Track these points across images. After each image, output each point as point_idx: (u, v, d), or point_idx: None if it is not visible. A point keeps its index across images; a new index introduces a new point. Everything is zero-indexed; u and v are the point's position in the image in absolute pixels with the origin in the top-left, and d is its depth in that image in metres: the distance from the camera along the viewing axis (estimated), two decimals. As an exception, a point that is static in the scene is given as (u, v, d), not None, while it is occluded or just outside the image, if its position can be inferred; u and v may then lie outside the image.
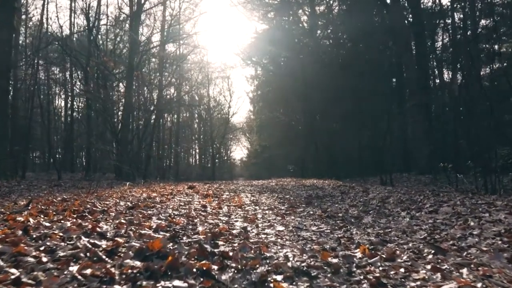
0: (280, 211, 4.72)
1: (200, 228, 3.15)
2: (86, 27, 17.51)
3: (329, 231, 3.52)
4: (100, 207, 4.02)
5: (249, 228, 3.38)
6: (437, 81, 22.54)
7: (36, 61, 15.90)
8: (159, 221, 3.32)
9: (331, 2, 24.03)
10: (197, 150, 37.27)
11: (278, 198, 6.50)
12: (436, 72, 22.70)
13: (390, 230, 3.70)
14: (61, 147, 27.17)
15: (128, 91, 15.24)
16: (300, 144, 23.05)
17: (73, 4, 22.24)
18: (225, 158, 37.40)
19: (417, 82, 15.31)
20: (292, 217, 4.26)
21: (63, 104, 28.18)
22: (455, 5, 19.52)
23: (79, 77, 22.13)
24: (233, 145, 39.12)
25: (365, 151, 18.40)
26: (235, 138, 37.50)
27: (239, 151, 45.10)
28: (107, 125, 18.77)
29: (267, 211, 4.70)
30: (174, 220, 3.41)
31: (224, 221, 3.69)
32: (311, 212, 4.64)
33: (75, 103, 26.91)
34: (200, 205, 4.68)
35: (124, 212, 3.81)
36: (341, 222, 4.03)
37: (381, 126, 19.43)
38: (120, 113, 19.01)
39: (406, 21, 16.86)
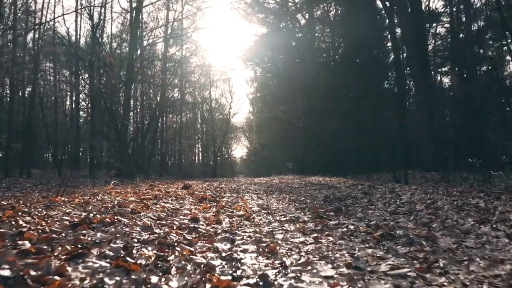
0: (306, 225, 2.90)
1: (173, 285, 1.34)
2: (90, 23, 15.65)
3: (414, 275, 1.72)
4: (24, 224, 2.22)
5: (271, 275, 1.58)
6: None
7: (35, 48, 13.90)
8: (96, 265, 1.50)
9: (328, 6, 22.27)
10: (200, 149, 35.36)
11: (291, 201, 4.68)
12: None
13: (508, 267, 1.90)
14: (70, 145, 25.29)
15: (128, 87, 13.38)
16: (298, 142, 21.29)
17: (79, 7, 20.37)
18: (226, 156, 35.44)
19: (421, 79, 13.62)
20: (331, 239, 2.45)
21: (68, 102, 26.21)
22: (453, 9, 17.84)
23: (83, 76, 20.20)
24: (233, 144, 37.20)
25: (365, 148, 16.60)
26: (236, 137, 35.59)
27: (239, 150, 43.15)
28: (111, 124, 16.92)
29: (287, 225, 2.88)
30: (129, 260, 1.59)
31: (223, 255, 1.88)
32: (352, 227, 2.82)
33: (84, 103, 25.10)
34: (189, 217, 2.85)
35: (57, 235, 2.00)
36: (416, 250, 2.22)
37: (380, 123, 17.71)
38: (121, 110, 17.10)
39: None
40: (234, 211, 3.48)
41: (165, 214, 2.91)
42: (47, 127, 15.15)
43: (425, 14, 16.46)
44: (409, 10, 14.43)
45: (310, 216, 3.36)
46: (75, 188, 8.63)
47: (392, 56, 20.09)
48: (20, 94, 19.20)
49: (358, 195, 5.46)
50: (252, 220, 3.05)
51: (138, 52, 19.76)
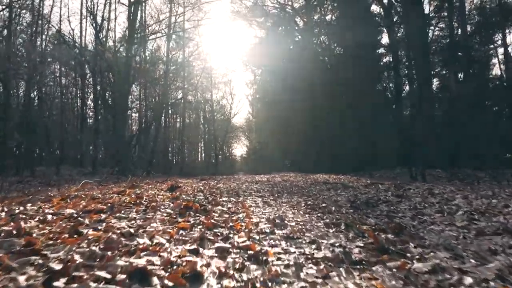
0: (379, 281, 1.28)
1: None
2: (93, 23, 14.00)
3: None
4: None
5: None
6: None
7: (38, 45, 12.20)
8: None
9: (325, 11, 20.73)
10: (203, 148, 33.73)
11: (311, 209, 3.06)
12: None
13: None
14: (79, 144, 23.62)
15: (127, 84, 11.76)
16: (297, 141, 19.73)
17: (83, 10, 18.69)
18: (227, 154, 33.79)
19: (423, 77, 12.10)
20: None
21: (75, 102, 24.45)
22: (451, 13, 16.36)
23: (88, 79, 18.54)
24: (234, 143, 35.60)
25: (363, 147, 15.03)
26: (236, 137, 34.01)
27: (239, 148, 41.42)
28: (115, 122, 15.27)
29: (335, 276, 1.28)
30: None
31: None
32: (470, 282, 1.23)
33: (92, 103, 23.43)
34: (138, 262, 1.24)
35: None
36: None
37: (378, 122, 16.17)
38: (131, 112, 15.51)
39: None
40: (231, 234, 1.87)
41: (88, 254, 1.28)
42: (46, 123, 13.45)
43: (424, 14, 14.94)
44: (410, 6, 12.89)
45: (361, 244, 1.75)
46: (60, 186, 7.02)
47: (386, 58, 18.64)
48: (21, 92, 17.52)
49: (390, 198, 3.86)
50: (264, 260, 1.44)
51: (142, 54, 18.23)
